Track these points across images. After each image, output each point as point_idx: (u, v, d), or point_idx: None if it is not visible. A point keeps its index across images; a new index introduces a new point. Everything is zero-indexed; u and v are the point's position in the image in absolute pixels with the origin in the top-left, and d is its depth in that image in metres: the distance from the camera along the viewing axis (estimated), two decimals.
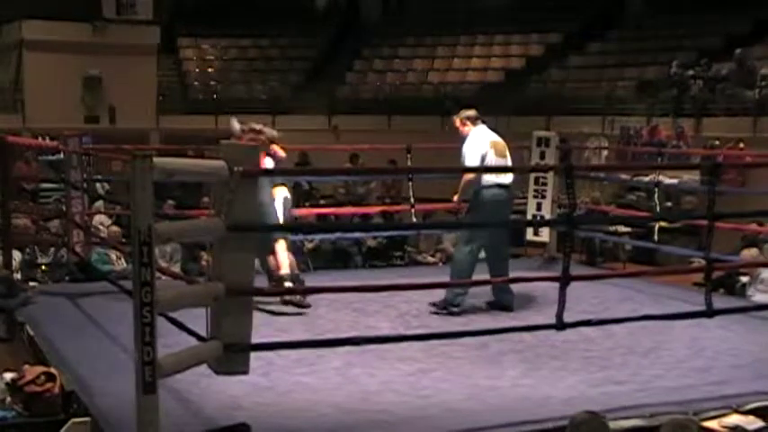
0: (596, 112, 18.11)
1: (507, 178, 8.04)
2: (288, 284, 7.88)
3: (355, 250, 11.84)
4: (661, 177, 11.89)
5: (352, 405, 5.53)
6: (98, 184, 13.43)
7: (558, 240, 10.30)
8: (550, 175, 10.46)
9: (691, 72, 17.15)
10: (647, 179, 12.17)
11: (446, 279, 8.03)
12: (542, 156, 10.60)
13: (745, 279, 9.34)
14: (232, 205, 4.73)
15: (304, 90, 22.71)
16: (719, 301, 6.67)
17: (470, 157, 8.09)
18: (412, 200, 10.70)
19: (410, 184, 10.65)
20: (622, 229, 13.02)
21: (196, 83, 22.80)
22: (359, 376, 6.10)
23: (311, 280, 9.60)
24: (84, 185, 9.66)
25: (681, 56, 18.39)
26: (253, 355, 5.00)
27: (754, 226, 10.37)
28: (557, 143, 10.79)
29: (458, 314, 7.76)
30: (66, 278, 9.80)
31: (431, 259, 11.84)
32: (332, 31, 24.76)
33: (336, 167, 13.63)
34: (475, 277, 7.89)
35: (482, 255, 8.12)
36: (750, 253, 9.22)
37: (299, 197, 15.92)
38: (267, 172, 7.17)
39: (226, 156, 4.82)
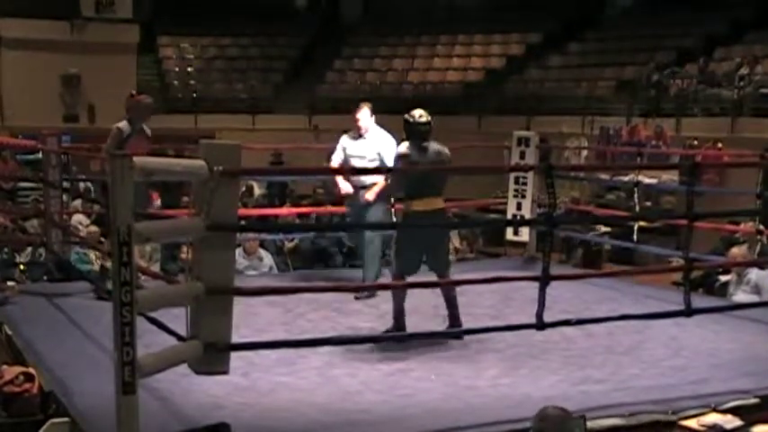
0: (576, 112, 18.20)
1: None
2: None
3: (335, 250, 11.82)
4: (640, 177, 11.91)
5: (333, 405, 5.53)
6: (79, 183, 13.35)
7: (537, 240, 10.32)
8: (530, 174, 10.46)
9: (670, 75, 17.32)
10: (626, 179, 12.20)
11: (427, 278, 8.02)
12: (522, 155, 10.60)
13: (724, 278, 9.38)
14: (212, 205, 4.72)
15: (284, 89, 22.67)
16: (698, 301, 6.69)
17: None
18: (392, 199, 10.68)
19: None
20: (602, 228, 13.08)
21: (176, 82, 22.73)
22: (339, 376, 6.10)
23: (291, 279, 9.61)
24: (64, 185, 9.61)
25: (660, 56, 18.54)
26: (233, 354, 4.99)
27: (729, 225, 10.43)
28: (537, 143, 10.80)
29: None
30: (45, 278, 9.75)
31: None
32: (312, 30, 24.74)
33: (318, 167, 13.63)
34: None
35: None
36: (740, 251, 9.22)
37: (277, 196, 15.93)
38: (249, 171, 7.09)
39: (205, 155, 4.80)
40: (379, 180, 8.47)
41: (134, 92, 8.62)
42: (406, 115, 7.28)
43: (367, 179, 8.48)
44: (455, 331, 6.94)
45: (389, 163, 8.21)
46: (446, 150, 7.32)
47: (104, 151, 8.42)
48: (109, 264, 9.05)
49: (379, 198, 8.53)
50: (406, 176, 7.18)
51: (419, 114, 7.24)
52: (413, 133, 7.21)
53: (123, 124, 8.40)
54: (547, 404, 4.29)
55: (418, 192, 7.04)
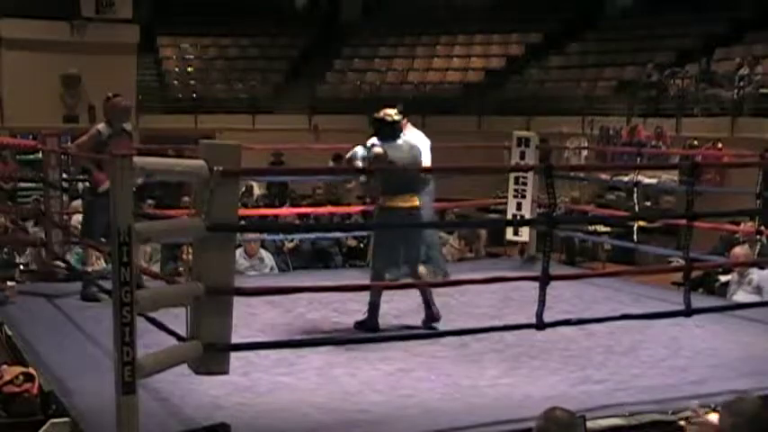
0: (576, 112, 18.19)
1: None
2: None
3: (335, 250, 11.84)
4: (640, 177, 11.92)
5: (333, 405, 5.52)
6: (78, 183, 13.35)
7: (537, 240, 10.33)
8: (530, 174, 10.47)
9: (670, 75, 17.31)
10: (626, 179, 12.22)
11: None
12: (522, 156, 10.60)
13: (724, 278, 9.37)
14: (212, 205, 4.72)
15: (284, 90, 22.68)
16: (698, 301, 6.70)
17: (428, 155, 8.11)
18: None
19: None
20: (602, 228, 13.08)
21: (176, 82, 22.74)
22: (339, 376, 6.10)
23: (291, 280, 9.61)
24: (64, 185, 9.61)
25: (660, 56, 18.53)
26: (233, 355, 5.00)
27: (729, 225, 10.43)
28: (537, 143, 10.80)
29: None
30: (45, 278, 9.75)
31: None
32: (312, 30, 24.73)
33: (318, 167, 13.65)
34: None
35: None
36: (743, 251, 9.22)
37: (277, 197, 15.95)
38: (249, 171, 7.09)
39: (205, 155, 4.80)
40: None
41: (110, 94, 8.55)
42: (381, 114, 7.33)
43: None
44: (456, 331, 6.91)
45: (423, 161, 8.30)
46: (417, 144, 7.44)
47: (74, 146, 8.43)
48: (91, 268, 9.12)
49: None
50: (393, 176, 7.19)
51: (394, 113, 7.31)
52: (389, 132, 7.28)
53: (102, 126, 8.32)
54: (552, 405, 4.28)
55: (397, 189, 7.11)
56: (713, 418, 5.33)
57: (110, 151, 5.83)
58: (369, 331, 7.21)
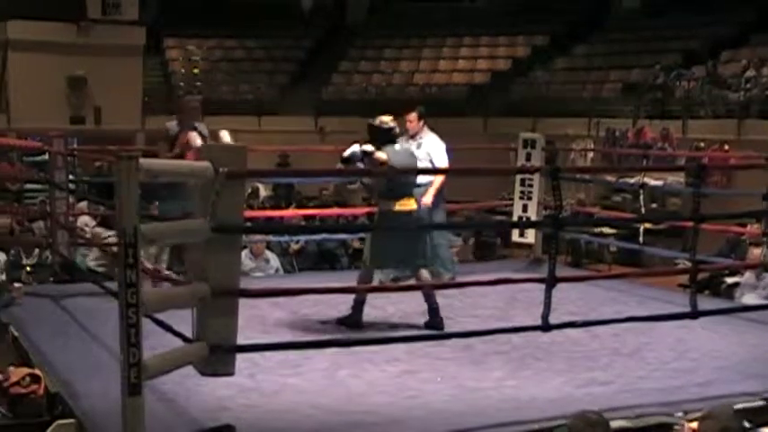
0: (582, 114, 18.16)
1: None
2: None
3: (341, 251, 11.83)
4: (646, 179, 11.90)
5: (338, 406, 5.53)
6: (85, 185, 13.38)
7: (543, 242, 10.32)
8: (536, 176, 10.46)
9: (677, 77, 17.29)
10: (632, 181, 12.21)
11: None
12: (528, 157, 10.59)
13: (731, 280, 9.35)
14: (217, 206, 4.72)
15: (290, 91, 22.68)
16: (705, 303, 6.69)
17: (444, 158, 8.23)
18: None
19: None
20: (608, 230, 13.07)
21: (182, 83, 22.70)
22: (345, 378, 6.10)
23: (297, 281, 9.62)
24: (71, 186, 9.62)
25: (666, 58, 18.50)
26: (239, 356, 5.00)
27: (735, 227, 10.42)
28: (543, 145, 10.79)
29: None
30: (51, 279, 9.76)
31: None
32: (318, 32, 24.74)
33: (324, 168, 13.62)
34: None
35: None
36: (760, 252, 9.20)
37: (283, 198, 15.93)
38: (254, 173, 7.11)
39: (211, 157, 4.81)
40: (431, 180, 8.56)
41: (181, 93, 9.03)
42: (377, 122, 7.45)
43: (421, 180, 8.45)
44: (461, 333, 6.91)
45: (439, 164, 8.60)
46: (411, 148, 7.81)
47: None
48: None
49: (438, 200, 8.67)
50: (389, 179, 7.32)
51: (390, 119, 7.46)
52: (387, 139, 7.38)
53: (172, 124, 8.76)
54: (557, 407, 4.37)
55: (397, 193, 7.24)
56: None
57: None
58: (352, 327, 7.34)
